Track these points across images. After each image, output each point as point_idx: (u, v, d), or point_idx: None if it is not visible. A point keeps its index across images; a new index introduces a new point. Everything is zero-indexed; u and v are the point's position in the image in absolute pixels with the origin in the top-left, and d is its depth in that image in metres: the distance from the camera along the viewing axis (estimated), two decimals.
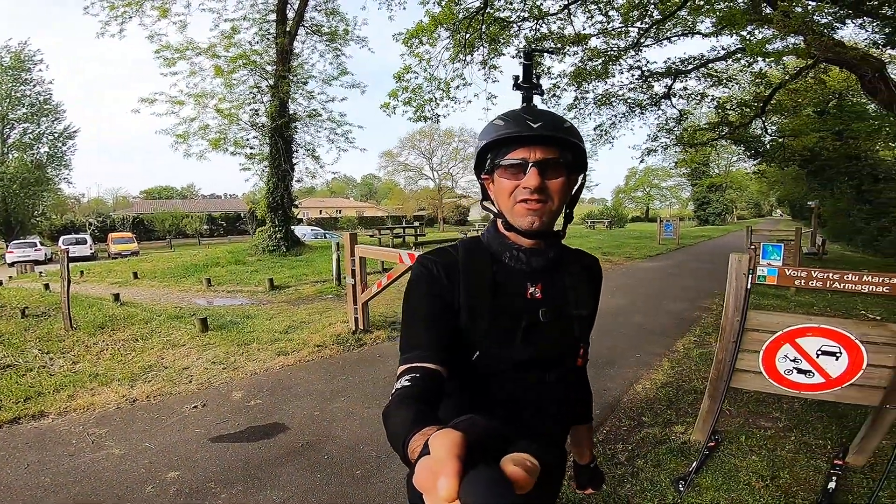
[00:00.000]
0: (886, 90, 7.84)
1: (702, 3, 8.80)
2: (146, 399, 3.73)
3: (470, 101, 11.62)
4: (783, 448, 2.82)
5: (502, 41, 10.85)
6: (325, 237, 21.55)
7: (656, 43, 10.92)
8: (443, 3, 9.78)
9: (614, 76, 11.85)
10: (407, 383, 0.71)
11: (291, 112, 13.52)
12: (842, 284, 2.42)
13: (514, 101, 9.06)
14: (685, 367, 4.39)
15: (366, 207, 55.81)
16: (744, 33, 8.66)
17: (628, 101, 12.80)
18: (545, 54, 10.79)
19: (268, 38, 13.14)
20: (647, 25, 10.36)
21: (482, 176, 0.91)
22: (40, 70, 26.10)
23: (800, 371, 2.48)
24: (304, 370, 4.40)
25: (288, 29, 12.98)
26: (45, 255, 20.38)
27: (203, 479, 2.60)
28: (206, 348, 4.97)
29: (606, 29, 10.59)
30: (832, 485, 2.38)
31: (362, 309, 5.49)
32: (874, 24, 8.31)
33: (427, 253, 0.92)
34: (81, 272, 11.77)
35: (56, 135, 27.57)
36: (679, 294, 8.05)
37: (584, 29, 10.74)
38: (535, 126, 0.79)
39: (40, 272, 13.62)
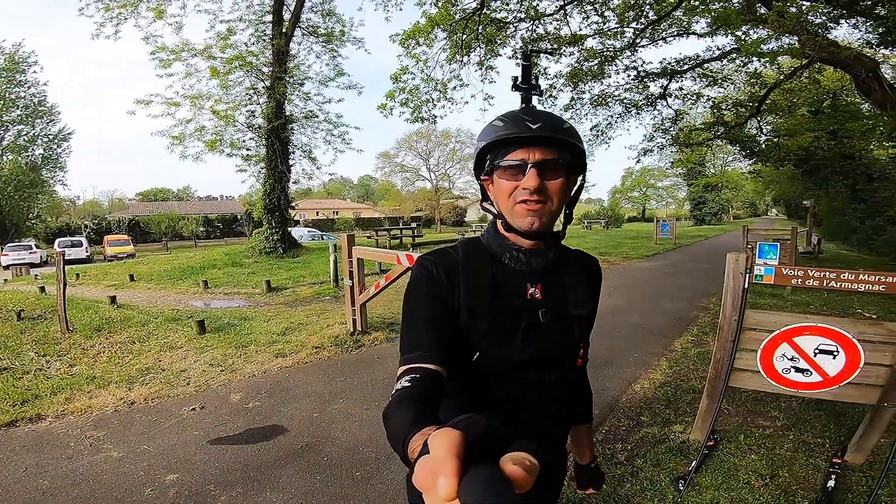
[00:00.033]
0: (880, 90, 7.89)
1: (697, 3, 8.84)
2: (144, 401, 3.71)
3: (467, 102, 11.74)
4: (782, 447, 2.83)
5: (499, 42, 10.88)
6: (323, 239, 21.51)
7: (652, 43, 10.96)
8: (439, 4, 9.78)
9: (610, 76, 11.93)
10: (407, 384, 0.71)
11: (288, 113, 13.48)
12: (838, 283, 2.43)
13: (511, 101, 9.06)
14: (683, 366, 4.40)
15: (363, 209, 55.82)
16: (739, 33, 8.69)
17: (624, 101, 12.85)
18: (541, 55, 10.82)
19: (264, 40, 13.10)
20: (642, 26, 10.41)
21: (482, 177, 0.91)
22: (35, 72, 26.08)
23: (797, 370, 2.49)
24: (303, 372, 4.38)
25: (284, 30, 12.94)
26: (41, 257, 20.29)
27: (202, 482, 2.60)
28: (204, 350, 4.95)
29: (602, 29, 10.62)
30: (831, 483, 2.39)
31: (360, 310, 5.48)
32: (868, 24, 8.35)
33: (427, 254, 0.92)
34: (77, 275, 11.72)
35: (51, 137, 27.51)
36: (676, 294, 8.07)
37: (580, 29, 10.77)
38: (534, 127, 0.80)
39: (36, 275, 13.54)
